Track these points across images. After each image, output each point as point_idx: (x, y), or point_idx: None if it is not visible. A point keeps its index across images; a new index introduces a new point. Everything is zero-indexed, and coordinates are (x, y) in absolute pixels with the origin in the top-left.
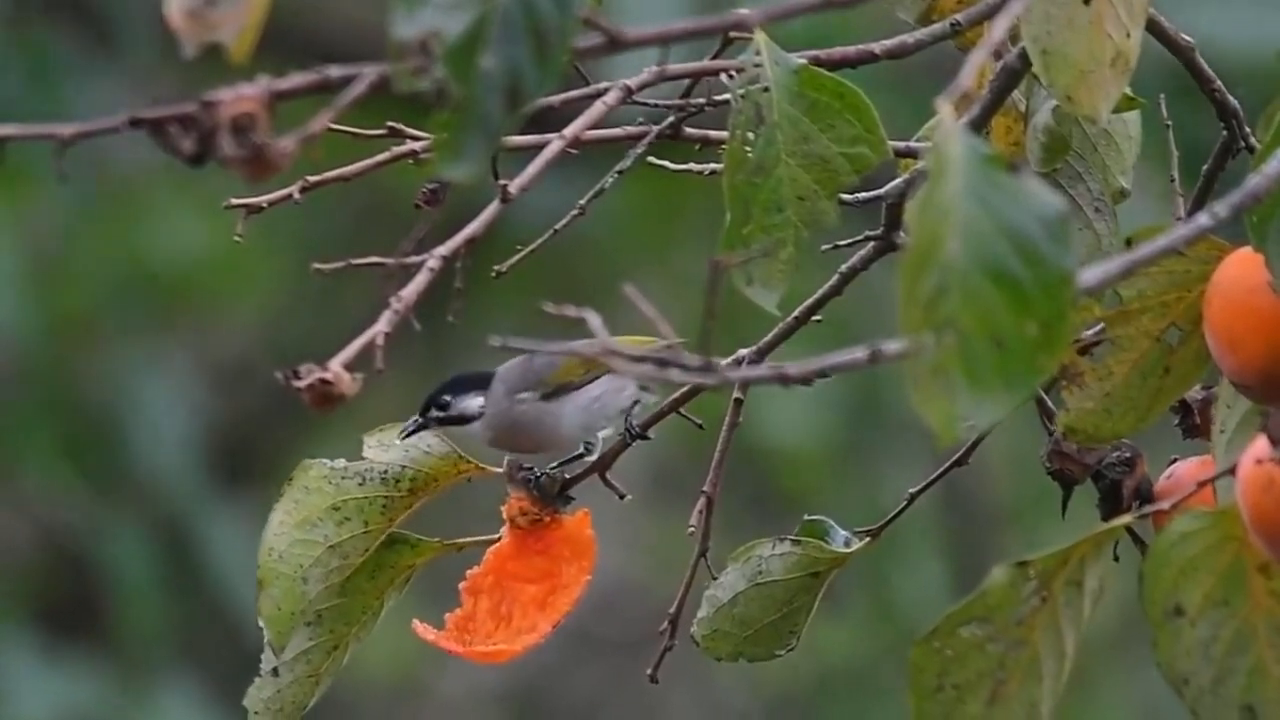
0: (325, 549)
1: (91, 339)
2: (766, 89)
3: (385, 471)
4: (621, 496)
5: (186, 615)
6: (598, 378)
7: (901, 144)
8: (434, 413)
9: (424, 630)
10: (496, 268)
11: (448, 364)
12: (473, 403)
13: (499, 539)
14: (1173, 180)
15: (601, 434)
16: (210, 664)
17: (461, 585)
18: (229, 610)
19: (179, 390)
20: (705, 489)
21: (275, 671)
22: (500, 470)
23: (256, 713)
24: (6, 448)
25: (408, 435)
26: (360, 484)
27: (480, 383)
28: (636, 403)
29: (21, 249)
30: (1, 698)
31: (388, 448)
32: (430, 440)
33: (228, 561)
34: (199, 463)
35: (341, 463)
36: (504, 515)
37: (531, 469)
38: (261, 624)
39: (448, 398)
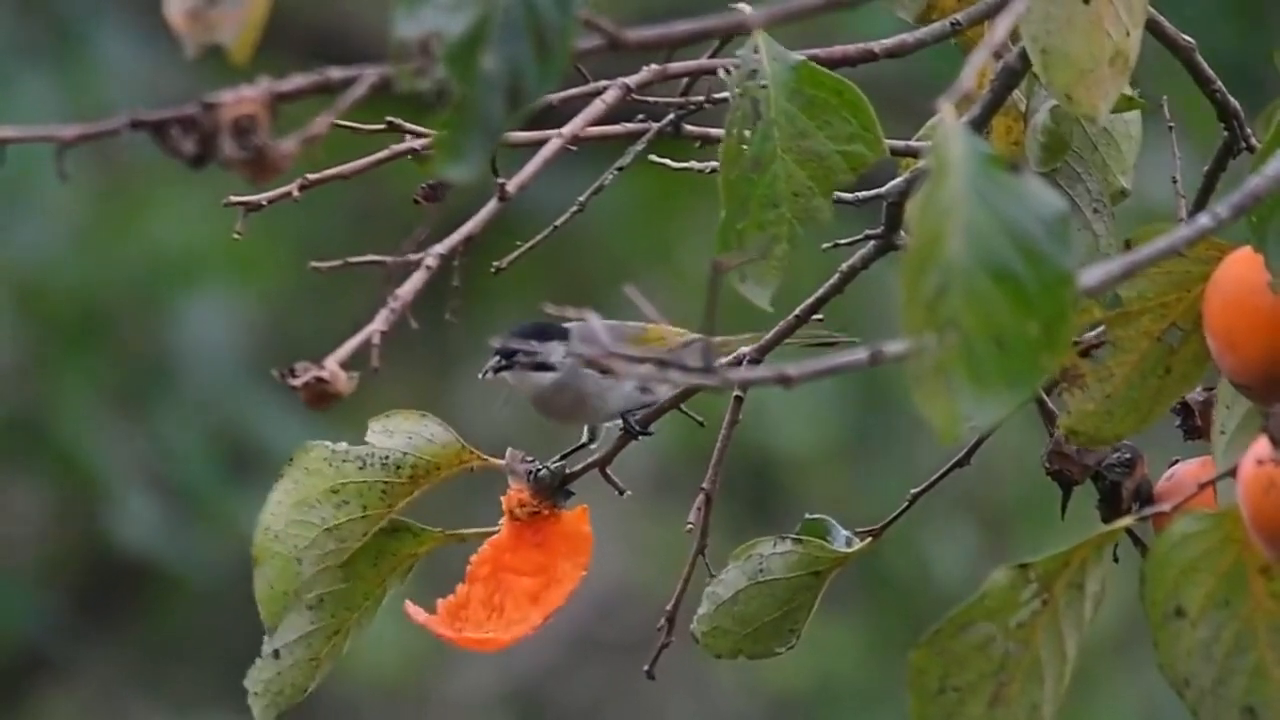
0: (322, 531)
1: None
2: (764, 85)
3: (387, 457)
4: (621, 492)
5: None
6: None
7: (901, 143)
8: (520, 357)
9: (415, 612)
10: (496, 264)
11: (448, 362)
12: (557, 350)
13: (499, 530)
14: (1174, 181)
15: (605, 426)
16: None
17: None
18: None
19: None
20: (704, 485)
21: (276, 654)
22: (502, 461)
23: (256, 693)
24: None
25: (487, 375)
26: (360, 468)
27: (559, 333)
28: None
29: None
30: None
31: (391, 434)
32: (433, 428)
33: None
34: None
35: (343, 446)
36: (503, 506)
37: (533, 460)
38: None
39: (534, 342)
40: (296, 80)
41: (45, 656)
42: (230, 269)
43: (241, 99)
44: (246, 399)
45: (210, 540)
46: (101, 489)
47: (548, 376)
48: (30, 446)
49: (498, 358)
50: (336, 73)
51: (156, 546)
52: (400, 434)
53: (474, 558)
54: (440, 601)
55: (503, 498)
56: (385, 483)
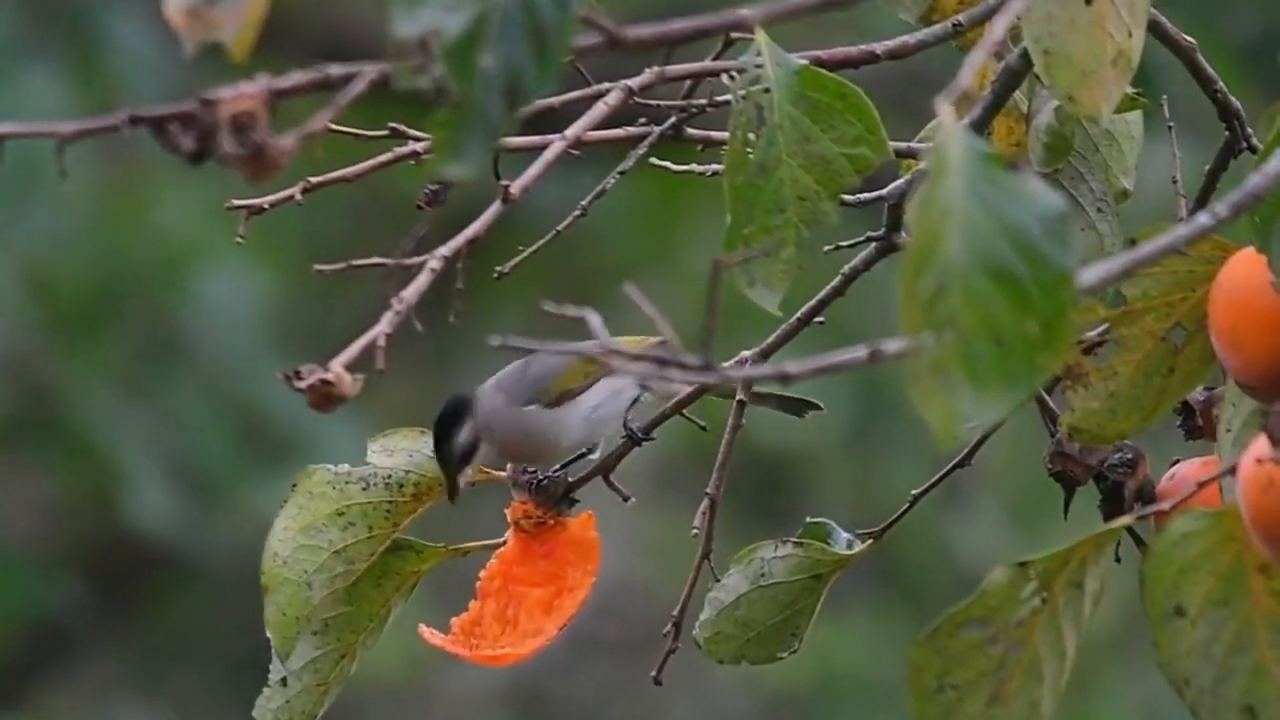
0: (330, 554)
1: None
2: (768, 90)
3: (389, 476)
4: (625, 499)
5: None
6: (596, 383)
7: (903, 144)
8: (459, 464)
9: (430, 635)
10: (498, 268)
11: (451, 363)
12: (465, 431)
13: (504, 543)
14: (1174, 180)
15: (603, 437)
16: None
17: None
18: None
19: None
20: (708, 490)
21: (284, 681)
22: (504, 475)
23: None
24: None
25: (454, 499)
26: (364, 489)
27: (459, 408)
28: (636, 400)
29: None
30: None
31: (391, 453)
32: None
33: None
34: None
35: (345, 468)
36: (508, 519)
37: (534, 472)
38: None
39: (452, 445)
40: (295, 77)
41: (51, 649)
42: (235, 261)
43: (240, 96)
44: (259, 380)
45: (225, 521)
46: (116, 472)
47: (479, 455)
48: (43, 433)
49: (448, 482)
50: (336, 70)
51: (171, 527)
52: (401, 452)
53: (483, 573)
54: (454, 620)
55: (507, 510)
56: (389, 502)
